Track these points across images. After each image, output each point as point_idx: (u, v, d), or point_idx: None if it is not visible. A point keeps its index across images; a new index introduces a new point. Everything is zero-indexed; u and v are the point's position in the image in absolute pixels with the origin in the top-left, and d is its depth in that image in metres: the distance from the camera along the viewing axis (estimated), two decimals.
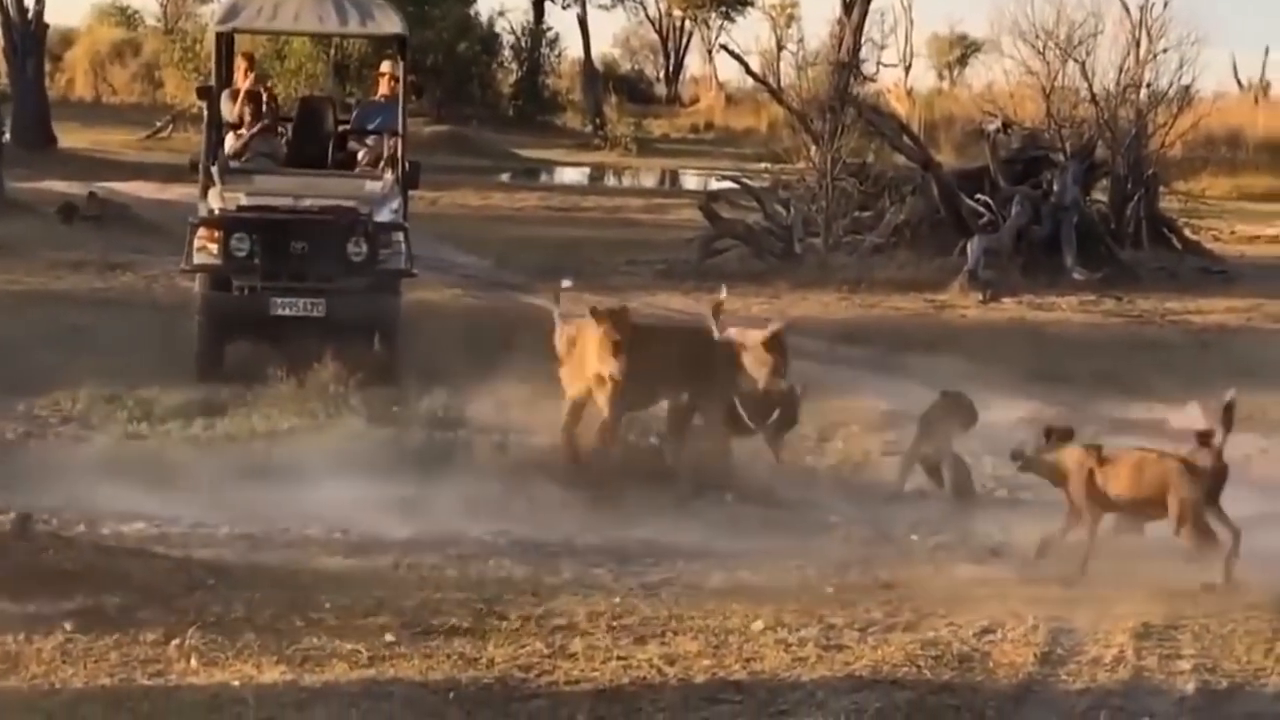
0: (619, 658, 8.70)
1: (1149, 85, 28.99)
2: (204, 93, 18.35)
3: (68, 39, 61.20)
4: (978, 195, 26.25)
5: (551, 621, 9.29)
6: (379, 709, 7.89)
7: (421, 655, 8.67)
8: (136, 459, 12.98)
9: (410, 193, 17.75)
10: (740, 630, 9.03)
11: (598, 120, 56.46)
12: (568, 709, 7.92)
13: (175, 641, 8.65)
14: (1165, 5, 29.58)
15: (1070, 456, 10.74)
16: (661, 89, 74.44)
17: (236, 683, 8.21)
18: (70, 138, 42.56)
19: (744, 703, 8.07)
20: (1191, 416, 13.48)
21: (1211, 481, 10.56)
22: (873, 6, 33.35)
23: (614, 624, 9.29)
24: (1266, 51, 68.92)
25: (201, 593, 9.61)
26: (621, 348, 12.53)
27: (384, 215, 16.95)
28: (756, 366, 12.85)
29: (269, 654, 8.58)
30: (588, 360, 12.88)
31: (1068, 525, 10.73)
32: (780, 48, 55.70)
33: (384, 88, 19.13)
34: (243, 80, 18.54)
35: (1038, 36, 29.11)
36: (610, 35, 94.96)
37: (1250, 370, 16.74)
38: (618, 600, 9.75)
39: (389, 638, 8.93)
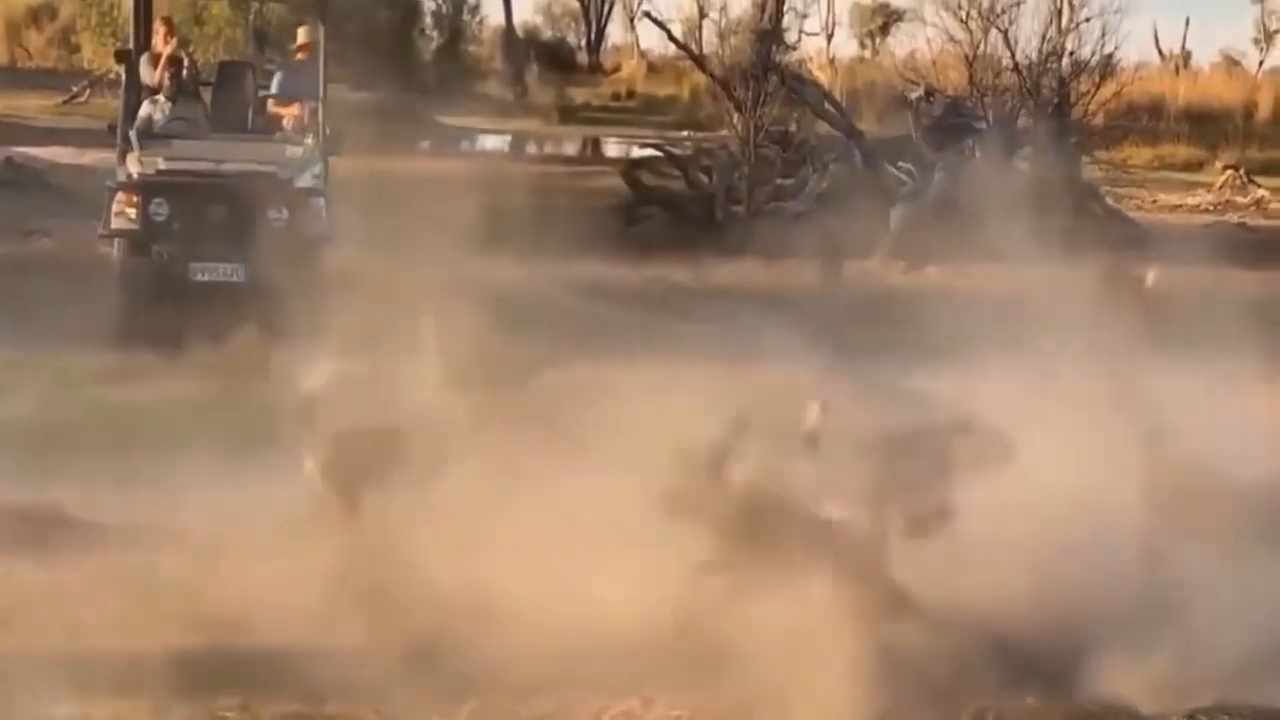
0: None
1: (1071, 54, 29.12)
2: (123, 56, 18.26)
3: None
4: (900, 163, 26.31)
5: None
6: None
7: None
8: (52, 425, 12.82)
9: (331, 158, 17.64)
10: None
11: (519, 88, 56.16)
12: None
13: None
14: None
15: None
16: (583, 57, 74.01)
17: None
18: None
19: None
20: None
21: None
22: None
23: None
24: (1187, 22, 69.11)
25: None
26: None
27: (304, 180, 16.89)
28: None
29: None
30: None
31: None
32: (702, 15, 55.39)
33: (302, 55, 19.03)
34: (162, 44, 18.39)
35: (960, 5, 29.23)
36: (531, 3, 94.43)
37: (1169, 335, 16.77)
38: None
39: None
